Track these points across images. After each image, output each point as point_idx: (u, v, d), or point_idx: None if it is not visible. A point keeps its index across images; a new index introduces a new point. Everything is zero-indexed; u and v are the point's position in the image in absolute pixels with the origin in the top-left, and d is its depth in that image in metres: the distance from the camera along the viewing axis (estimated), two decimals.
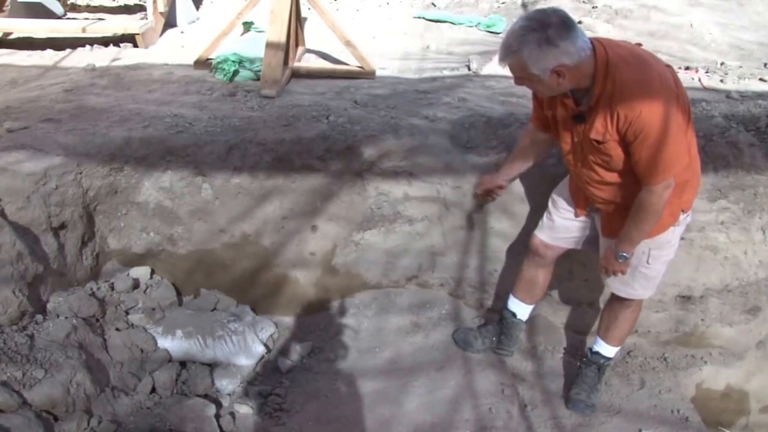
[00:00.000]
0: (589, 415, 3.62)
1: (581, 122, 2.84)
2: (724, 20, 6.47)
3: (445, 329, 4.06)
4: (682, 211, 3.06)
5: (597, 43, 2.65)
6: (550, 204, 3.50)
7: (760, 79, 4.94)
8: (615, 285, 3.35)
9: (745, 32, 6.23)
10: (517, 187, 3.94)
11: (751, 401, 4.27)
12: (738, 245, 3.94)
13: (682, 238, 3.82)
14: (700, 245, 3.92)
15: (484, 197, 3.77)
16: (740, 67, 5.26)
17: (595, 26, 6.21)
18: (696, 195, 3.13)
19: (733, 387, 4.20)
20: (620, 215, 3.01)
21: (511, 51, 2.61)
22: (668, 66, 2.75)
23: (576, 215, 3.37)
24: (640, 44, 2.99)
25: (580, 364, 3.76)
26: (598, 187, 3.03)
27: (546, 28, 2.51)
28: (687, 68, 5.21)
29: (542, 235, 3.54)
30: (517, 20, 2.64)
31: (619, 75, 2.61)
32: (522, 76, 2.71)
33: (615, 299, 3.49)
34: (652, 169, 2.71)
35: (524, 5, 6.94)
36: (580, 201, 3.29)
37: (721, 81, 4.91)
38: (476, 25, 6.55)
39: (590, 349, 3.70)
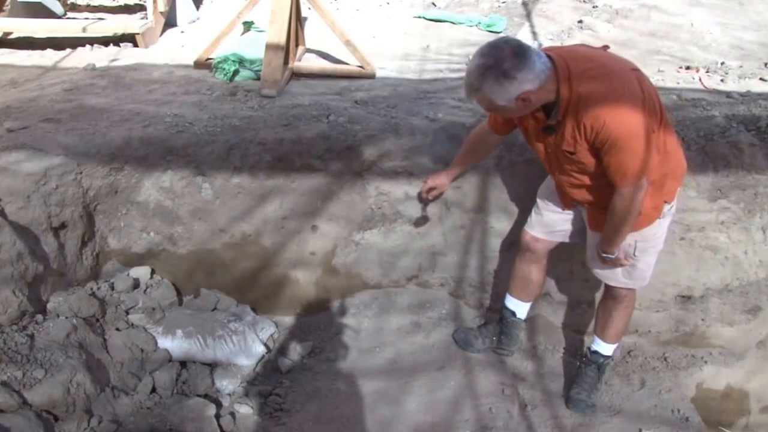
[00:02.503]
0: (590, 415, 3.62)
1: (551, 134, 2.89)
2: (724, 20, 6.45)
3: (446, 329, 4.06)
4: (666, 202, 3.08)
5: (557, 57, 2.69)
6: (538, 199, 3.53)
7: (761, 79, 4.93)
8: (605, 274, 3.37)
9: (746, 32, 6.21)
10: (518, 186, 3.95)
11: (751, 401, 4.26)
12: (738, 245, 3.94)
13: (681, 238, 3.85)
14: (701, 245, 3.92)
15: (428, 197, 3.79)
16: (741, 66, 5.25)
17: (596, 26, 6.20)
18: (679, 184, 3.16)
19: (733, 387, 4.20)
20: (603, 211, 3.04)
21: (473, 89, 2.68)
22: (634, 69, 2.78)
23: (563, 210, 3.41)
24: (606, 47, 3.02)
25: (580, 364, 3.76)
26: (579, 189, 3.09)
27: (501, 63, 2.56)
28: (688, 68, 5.20)
29: (532, 230, 3.57)
30: (472, 57, 2.68)
31: (583, 87, 2.65)
32: (490, 108, 2.79)
33: (608, 295, 3.51)
34: (621, 173, 2.75)
35: (524, 4, 6.93)
36: (566, 198, 3.33)
37: (722, 81, 4.91)
38: (477, 25, 6.53)
39: (589, 349, 3.70)
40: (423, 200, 3.94)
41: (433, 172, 3.77)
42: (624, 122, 2.61)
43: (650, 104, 2.71)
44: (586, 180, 2.99)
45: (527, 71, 2.57)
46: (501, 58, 2.56)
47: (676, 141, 3.06)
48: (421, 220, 4.06)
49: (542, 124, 2.89)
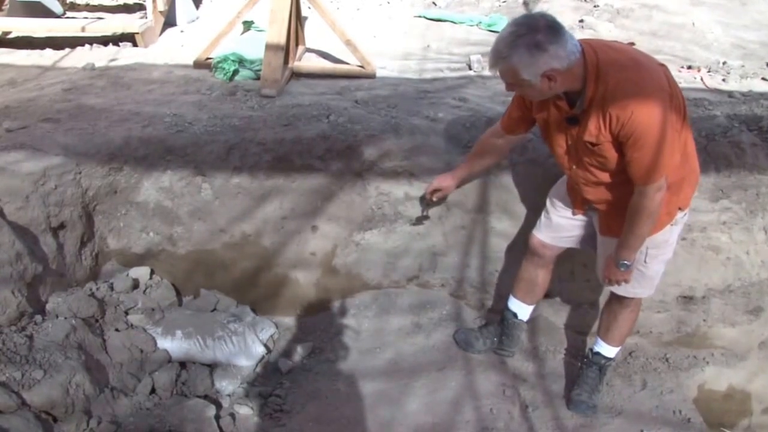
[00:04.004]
0: (591, 416, 3.60)
1: (575, 125, 2.83)
2: (726, 19, 6.46)
3: (446, 330, 4.04)
4: (679, 209, 3.04)
5: (586, 46, 2.65)
6: (547, 203, 3.49)
7: (763, 79, 4.94)
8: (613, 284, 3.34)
9: (748, 31, 6.22)
10: (519, 187, 3.94)
11: (753, 402, 4.25)
12: (740, 245, 3.93)
13: (683, 238, 3.83)
14: (702, 245, 3.91)
15: (431, 198, 3.73)
16: (742, 66, 5.25)
17: (597, 25, 6.19)
18: (694, 192, 3.12)
19: (735, 388, 4.18)
20: (617, 214, 3.00)
21: (501, 57, 2.60)
22: (662, 65, 2.74)
23: (573, 214, 3.36)
24: (632, 43, 2.98)
25: (581, 365, 3.74)
26: (595, 187, 3.03)
27: (535, 33, 2.51)
28: (689, 68, 5.19)
29: (540, 234, 3.53)
30: (505, 26, 2.63)
31: (611, 77, 2.61)
32: (513, 82, 2.70)
33: (614, 299, 3.47)
34: (643, 170, 2.70)
35: (526, 3, 6.92)
36: (577, 200, 3.28)
37: (724, 80, 4.90)
38: (477, 25, 6.53)
39: (591, 350, 3.68)
40: (426, 201, 3.88)
41: (440, 174, 3.74)
42: (652, 116, 2.56)
43: (676, 102, 2.68)
44: (604, 177, 2.94)
45: (559, 47, 2.53)
46: (535, 28, 2.51)
47: (693, 145, 2.99)
48: (420, 220, 4.02)
49: (565, 114, 2.84)
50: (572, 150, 2.96)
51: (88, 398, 3.22)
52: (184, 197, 3.99)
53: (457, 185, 3.68)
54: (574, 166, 3.02)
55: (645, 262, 3.17)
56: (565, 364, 3.99)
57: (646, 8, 6.50)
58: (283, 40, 4.74)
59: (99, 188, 3.87)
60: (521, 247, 3.85)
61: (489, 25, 6.44)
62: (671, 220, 3.05)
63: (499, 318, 3.92)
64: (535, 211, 3.83)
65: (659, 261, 3.22)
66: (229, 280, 4.16)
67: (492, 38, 6.02)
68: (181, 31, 6.45)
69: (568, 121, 2.86)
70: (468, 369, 3.77)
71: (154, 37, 6.13)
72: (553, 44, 2.52)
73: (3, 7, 6.39)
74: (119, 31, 6.06)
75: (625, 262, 3.04)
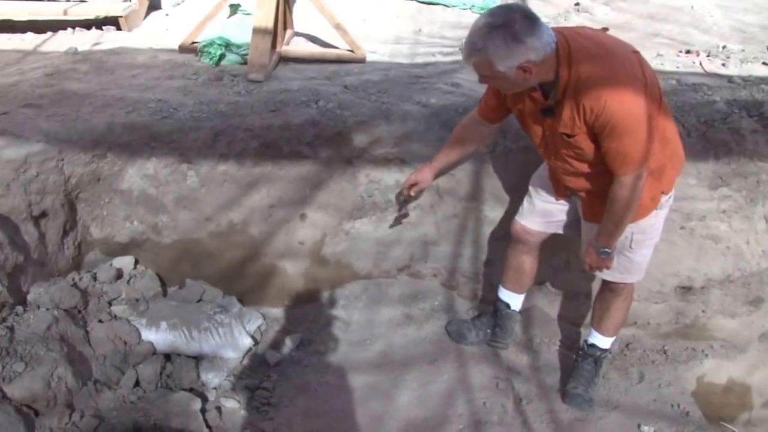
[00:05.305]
0: (587, 410, 3.57)
1: (550, 116, 2.82)
2: (725, 2, 6.45)
3: (438, 321, 4.03)
4: (663, 192, 3.02)
5: (558, 34, 2.61)
6: (530, 188, 3.47)
7: (763, 63, 4.92)
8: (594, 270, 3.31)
9: (748, 15, 6.21)
10: (512, 174, 3.89)
11: (753, 395, 4.25)
12: (740, 234, 3.91)
13: (682, 227, 3.82)
14: (701, 234, 3.88)
15: (409, 193, 3.67)
16: (743, 50, 5.24)
17: (593, 8, 6.19)
18: (678, 174, 3.10)
19: (735, 381, 4.18)
20: (600, 201, 2.98)
21: (476, 49, 2.56)
22: (635, 51, 2.72)
23: (557, 199, 3.35)
24: (606, 29, 2.94)
25: (577, 357, 3.72)
26: (575, 177, 3.02)
27: (511, 24, 2.47)
28: (688, 52, 5.17)
29: (523, 220, 3.51)
30: (479, 17, 2.59)
31: (583, 67, 2.58)
32: (487, 74, 2.66)
33: (605, 287, 3.45)
34: (621, 160, 2.68)
35: None
36: (559, 188, 3.27)
37: (723, 65, 4.88)
38: (470, 8, 6.51)
39: (586, 342, 3.66)
40: (403, 197, 3.82)
41: (418, 166, 3.69)
42: (625, 105, 2.54)
43: (651, 88, 2.64)
44: (582, 167, 2.92)
45: (536, 38, 2.49)
46: (512, 19, 2.47)
47: (674, 128, 3.00)
48: (399, 220, 3.99)
49: (541, 105, 2.81)
50: (549, 141, 2.95)
51: (70, 391, 3.19)
52: (169, 185, 3.95)
53: (435, 177, 3.66)
54: (552, 157, 3.02)
55: (631, 247, 3.16)
56: (560, 356, 3.97)
57: None
58: (270, 24, 4.68)
59: (82, 176, 3.83)
60: None
61: (481, 9, 6.41)
62: (656, 205, 3.04)
63: (492, 309, 3.88)
64: None
65: (646, 246, 3.20)
66: (215, 270, 4.12)
67: None
68: (166, 15, 6.39)
69: (543, 113, 2.85)
70: (461, 361, 3.75)
71: (139, 21, 6.08)
72: (530, 36, 2.49)
73: None
74: (102, 14, 5.97)
75: (606, 249, 3.04)
